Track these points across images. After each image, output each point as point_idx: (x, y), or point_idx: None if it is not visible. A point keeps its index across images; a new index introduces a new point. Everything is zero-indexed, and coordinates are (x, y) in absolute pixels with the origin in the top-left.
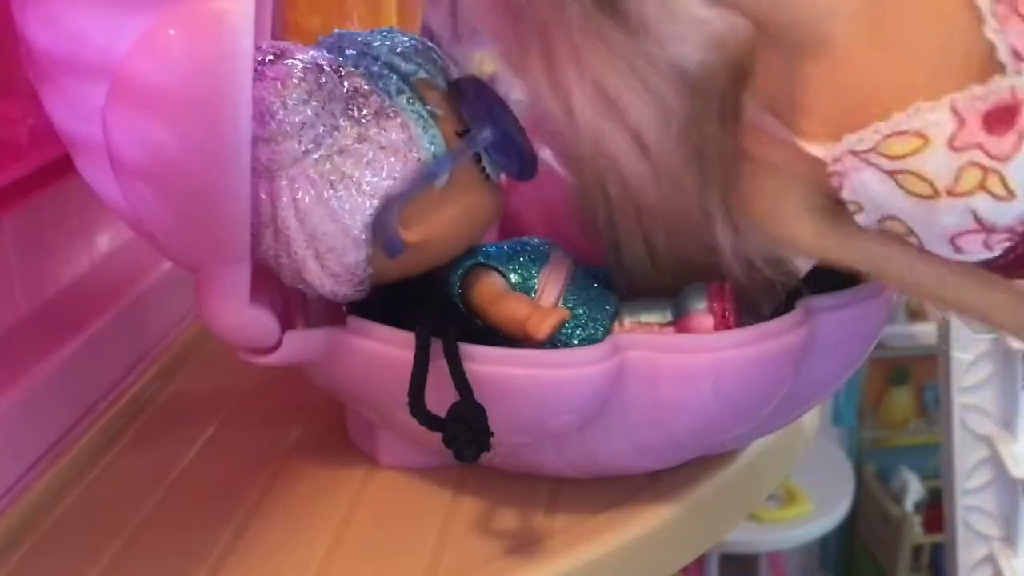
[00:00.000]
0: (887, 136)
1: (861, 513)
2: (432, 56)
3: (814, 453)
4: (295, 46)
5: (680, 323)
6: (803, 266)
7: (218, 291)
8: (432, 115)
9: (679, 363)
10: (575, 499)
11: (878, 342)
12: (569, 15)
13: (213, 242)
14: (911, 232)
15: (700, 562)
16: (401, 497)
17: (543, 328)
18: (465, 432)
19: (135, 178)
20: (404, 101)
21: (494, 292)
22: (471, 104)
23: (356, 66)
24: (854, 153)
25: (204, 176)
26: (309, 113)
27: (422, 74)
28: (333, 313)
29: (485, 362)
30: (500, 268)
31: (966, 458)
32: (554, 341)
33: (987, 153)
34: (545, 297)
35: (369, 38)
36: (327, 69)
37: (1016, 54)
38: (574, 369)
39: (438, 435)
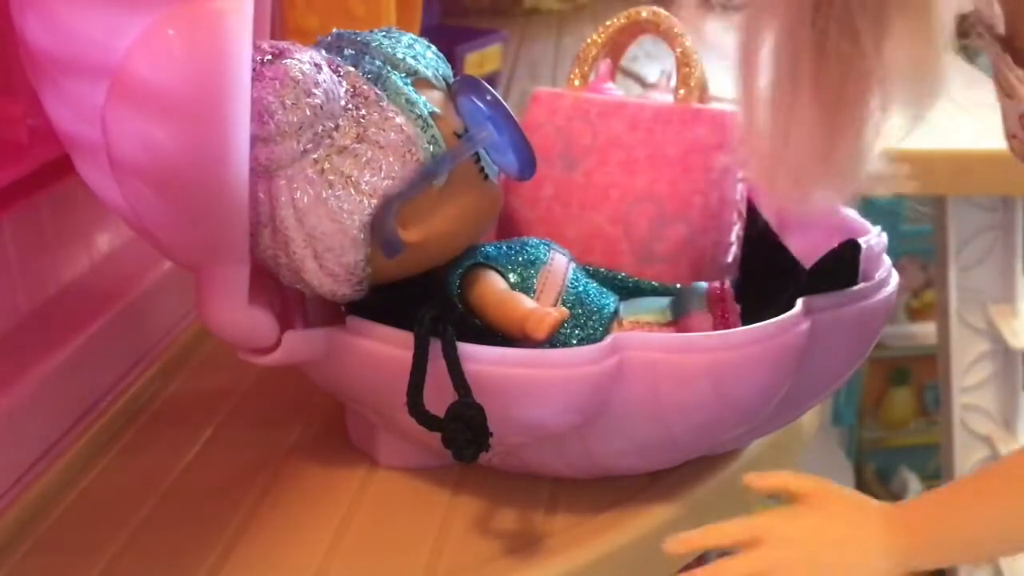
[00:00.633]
0: None
1: None
2: (431, 56)
3: (814, 453)
4: (294, 46)
5: (680, 323)
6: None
7: (217, 291)
8: (431, 115)
9: (679, 363)
10: (575, 499)
11: (878, 342)
12: None
13: (212, 241)
14: None
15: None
16: (400, 497)
17: (542, 328)
18: (464, 432)
19: (134, 178)
20: (403, 101)
21: (493, 292)
22: (470, 104)
23: (355, 66)
24: None
25: (203, 175)
26: (308, 113)
27: (421, 74)
28: (332, 313)
29: (484, 362)
30: (499, 268)
31: (966, 458)
32: (553, 341)
33: None
34: (544, 297)
35: (368, 38)
36: (326, 69)
37: None
38: (574, 369)
39: (437, 435)
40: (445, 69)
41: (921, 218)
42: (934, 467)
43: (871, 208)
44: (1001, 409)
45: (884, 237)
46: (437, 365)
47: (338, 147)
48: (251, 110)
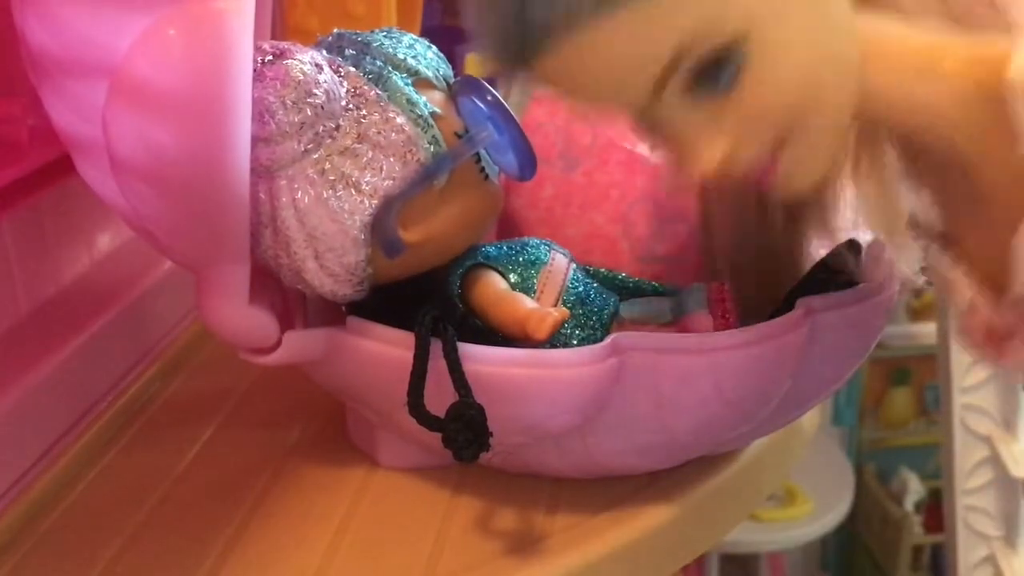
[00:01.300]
0: None
1: (861, 513)
2: (432, 56)
3: (814, 453)
4: (295, 46)
5: (680, 323)
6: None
7: (218, 291)
8: (432, 115)
9: (679, 363)
10: (575, 499)
11: (878, 342)
12: None
13: (212, 241)
14: None
15: (700, 562)
16: (400, 497)
17: (543, 328)
18: (464, 432)
19: (135, 178)
20: (404, 101)
21: (493, 292)
22: (470, 104)
23: (356, 66)
24: None
25: (203, 176)
26: (309, 113)
27: (422, 74)
28: (332, 313)
29: (484, 362)
30: (499, 268)
31: (966, 458)
32: (553, 341)
33: None
34: (544, 297)
35: (369, 38)
36: (327, 69)
37: None
38: (574, 369)
39: (437, 435)
40: (446, 69)
41: None
42: (934, 467)
43: None
44: (1001, 409)
45: None
46: (437, 365)
47: (339, 147)
48: (252, 110)
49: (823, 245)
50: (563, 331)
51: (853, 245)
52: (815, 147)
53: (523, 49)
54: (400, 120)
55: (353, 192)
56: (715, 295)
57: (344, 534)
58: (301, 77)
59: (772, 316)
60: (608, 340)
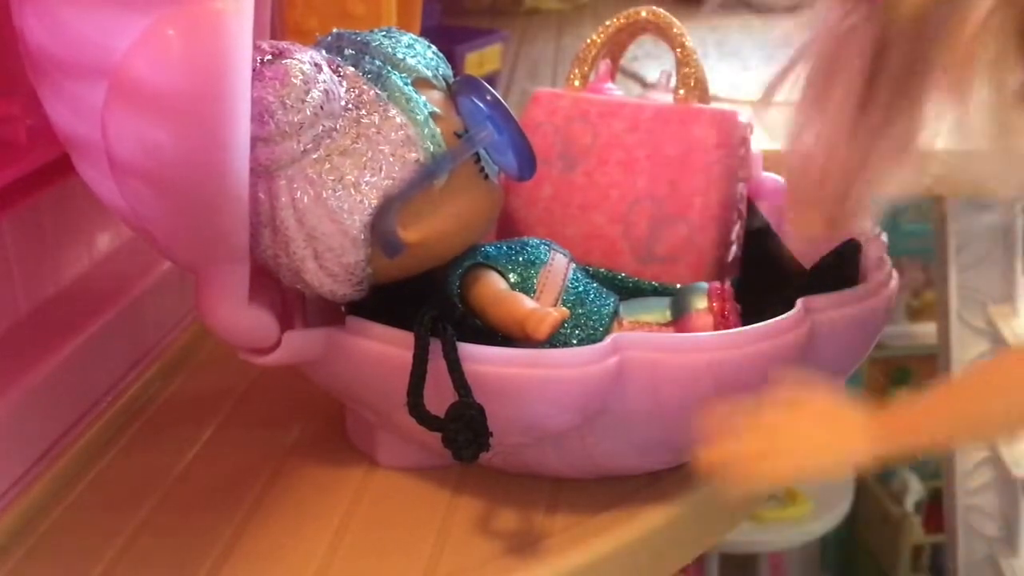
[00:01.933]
0: None
1: (861, 513)
2: (431, 56)
3: None
4: (294, 46)
5: (680, 323)
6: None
7: (217, 291)
8: (431, 115)
9: (679, 363)
10: (575, 499)
11: (878, 342)
12: None
13: (212, 242)
14: None
15: (700, 562)
16: (400, 497)
17: (542, 328)
18: (464, 432)
19: (134, 178)
20: (403, 101)
21: (493, 292)
22: (470, 104)
23: (355, 66)
24: None
25: (203, 176)
26: (308, 113)
27: (421, 74)
28: (332, 313)
29: (484, 362)
30: (499, 268)
31: (966, 458)
32: (553, 341)
33: None
34: (544, 297)
35: (368, 38)
36: (326, 69)
37: None
38: (574, 369)
39: (437, 435)
40: (445, 69)
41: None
42: (934, 467)
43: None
44: None
45: (884, 237)
46: (437, 365)
47: (338, 147)
48: (251, 110)
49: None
50: (563, 331)
51: (853, 245)
52: None
53: None
54: (399, 120)
55: (352, 192)
56: (715, 295)
57: (344, 534)
58: (300, 77)
59: (772, 316)
60: (608, 340)
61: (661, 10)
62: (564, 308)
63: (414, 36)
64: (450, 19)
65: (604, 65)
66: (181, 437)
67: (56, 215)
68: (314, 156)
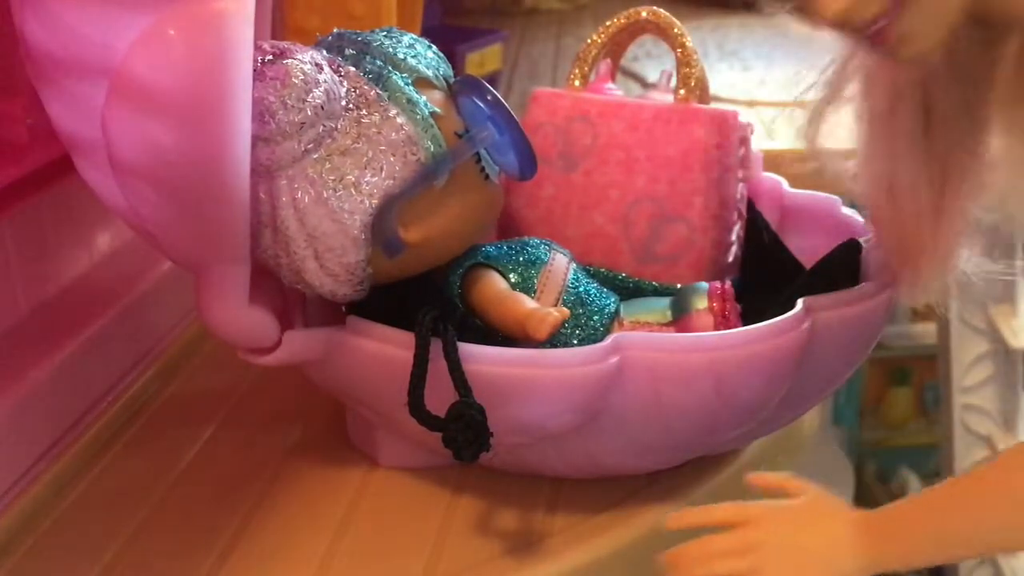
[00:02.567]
0: None
1: None
2: (432, 56)
3: (814, 453)
4: (295, 46)
5: (680, 323)
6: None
7: (218, 291)
8: (432, 115)
9: (679, 363)
10: (575, 499)
11: (878, 342)
12: None
13: (212, 242)
14: None
15: None
16: (400, 497)
17: (543, 328)
18: (464, 432)
19: (135, 178)
20: (404, 101)
21: (494, 292)
22: (470, 104)
23: (356, 66)
24: None
25: (203, 175)
26: (309, 113)
27: (422, 74)
28: (332, 313)
29: (485, 362)
30: (500, 268)
31: (966, 458)
32: (554, 341)
33: None
34: (544, 297)
35: (369, 38)
36: (327, 69)
37: None
38: (574, 369)
39: (437, 435)
40: (446, 69)
41: None
42: (934, 467)
43: None
44: (1001, 409)
45: None
46: (438, 365)
47: (339, 147)
48: (252, 110)
49: (823, 245)
50: (563, 331)
51: (853, 245)
52: (936, 7)
53: None
54: (400, 120)
55: (353, 192)
56: (715, 295)
57: (344, 534)
58: (301, 77)
59: (772, 316)
60: (608, 340)
61: (661, 10)
62: (565, 308)
63: (415, 36)
64: (450, 19)
65: (604, 65)
66: (181, 437)
67: (56, 215)
68: (315, 156)
